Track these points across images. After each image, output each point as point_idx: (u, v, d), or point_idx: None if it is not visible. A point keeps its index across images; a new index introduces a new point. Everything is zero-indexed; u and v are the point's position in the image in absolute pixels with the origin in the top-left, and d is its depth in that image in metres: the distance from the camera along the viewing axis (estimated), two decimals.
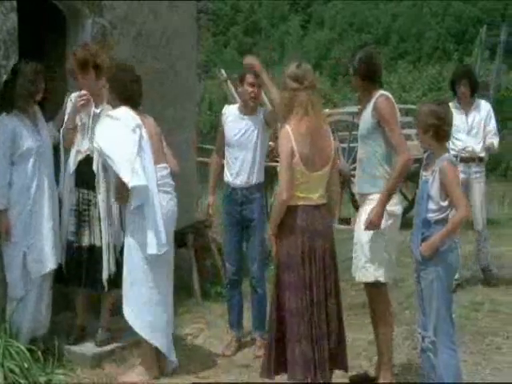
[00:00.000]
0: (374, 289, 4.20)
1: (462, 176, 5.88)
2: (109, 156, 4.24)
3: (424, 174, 3.77)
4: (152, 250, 4.26)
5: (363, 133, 4.22)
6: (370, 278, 4.14)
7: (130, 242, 4.36)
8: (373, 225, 4.02)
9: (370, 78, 4.18)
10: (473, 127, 6.36)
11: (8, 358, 3.98)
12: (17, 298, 4.41)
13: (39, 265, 4.48)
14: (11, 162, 4.40)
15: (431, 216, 3.64)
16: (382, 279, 4.14)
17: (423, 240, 3.67)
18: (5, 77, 4.47)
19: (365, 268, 4.14)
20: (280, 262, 3.70)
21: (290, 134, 3.62)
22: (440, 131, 3.67)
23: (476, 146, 6.35)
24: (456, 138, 6.24)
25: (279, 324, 3.67)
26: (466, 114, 6.38)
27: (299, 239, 3.63)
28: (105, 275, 4.57)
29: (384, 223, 4.06)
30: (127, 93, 4.38)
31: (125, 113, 4.35)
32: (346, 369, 3.90)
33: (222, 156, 4.93)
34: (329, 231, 3.75)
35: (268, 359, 3.73)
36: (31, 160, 4.44)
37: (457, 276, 5.69)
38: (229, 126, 4.84)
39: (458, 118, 6.15)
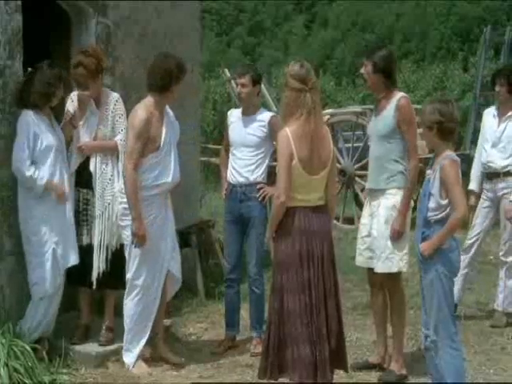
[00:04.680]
0: (394, 279, 4.37)
1: (489, 194, 5.42)
2: None
3: (427, 173, 3.78)
4: None
5: (383, 132, 4.36)
6: (394, 269, 4.30)
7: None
8: (399, 234, 4.24)
9: (392, 75, 4.37)
10: (501, 140, 5.31)
11: (13, 358, 3.98)
12: (45, 296, 4.40)
13: (65, 259, 4.50)
14: (32, 161, 4.38)
15: (431, 215, 3.63)
16: (404, 269, 4.34)
17: (424, 239, 3.66)
18: (9, 76, 4.47)
19: (388, 259, 4.29)
20: (278, 263, 3.68)
21: (289, 137, 3.57)
22: (443, 128, 3.66)
23: (501, 162, 5.31)
24: (484, 149, 5.42)
25: (277, 326, 3.65)
26: (499, 122, 5.36)
27: (297, 241, 3.61)
28: (94, 274, 4.58)
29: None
30: None
31: None
32: (345, 369, 3.87)
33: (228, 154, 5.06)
34: (327, 232, 3.73)
35: (266, 361, 3.70)
36: (51, 157, 4.45)
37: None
38: (231, 127, 4.99)
39: (489, 126, 5.43)
